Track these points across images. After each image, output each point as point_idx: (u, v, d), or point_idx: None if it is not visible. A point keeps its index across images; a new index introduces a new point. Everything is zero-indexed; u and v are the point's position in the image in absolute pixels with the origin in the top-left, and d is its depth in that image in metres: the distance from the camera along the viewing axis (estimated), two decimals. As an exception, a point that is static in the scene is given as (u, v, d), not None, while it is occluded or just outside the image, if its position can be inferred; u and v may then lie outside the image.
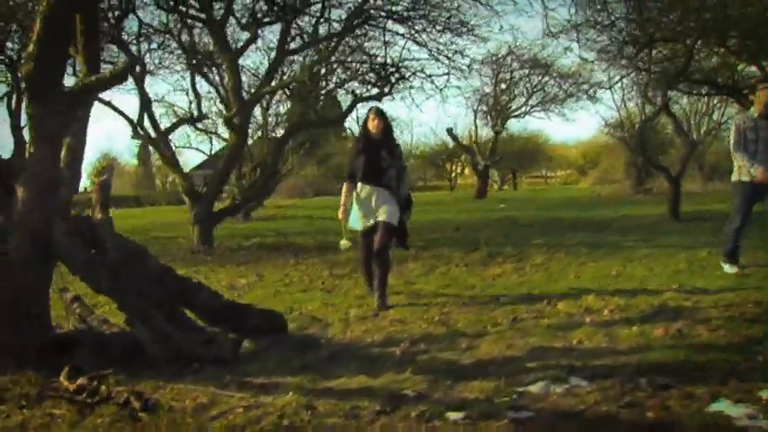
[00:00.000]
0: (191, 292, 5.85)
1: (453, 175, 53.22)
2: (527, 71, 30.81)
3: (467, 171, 51.07)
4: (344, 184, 7.40)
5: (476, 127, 33.50)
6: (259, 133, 22.84)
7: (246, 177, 21.42)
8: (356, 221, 7.33)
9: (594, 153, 50.15)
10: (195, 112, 15.39)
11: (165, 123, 15.50)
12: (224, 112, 15.54)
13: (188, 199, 13.44)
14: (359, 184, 7.20)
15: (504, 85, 31.97)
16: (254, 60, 43.46)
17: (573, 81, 29.85)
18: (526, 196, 35.01)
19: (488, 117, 33.24)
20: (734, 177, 8.12)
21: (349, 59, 14.99)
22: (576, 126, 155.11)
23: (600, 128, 35.42)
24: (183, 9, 12.99)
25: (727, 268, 8.06)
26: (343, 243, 7.56)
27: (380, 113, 7.33)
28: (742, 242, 8.28)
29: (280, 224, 20.03)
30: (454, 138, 32.09)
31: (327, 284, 8.81)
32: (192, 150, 44.07)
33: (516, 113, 33.53)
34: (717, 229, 12.97)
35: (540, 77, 31.41)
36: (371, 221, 7.16)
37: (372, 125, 7.24)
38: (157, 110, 16.71)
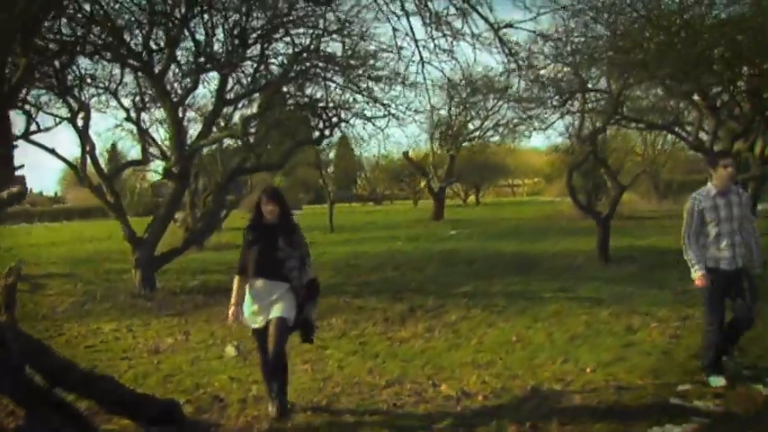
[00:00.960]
0: (94, 385, 6.24)
1: (418, 189, 53.65)
2: (481, 96, 31.28)
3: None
4: (235, 278, 6.61)
5: (432, 149, 34.06)
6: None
7: (200, 205, 21.74)
8: (250, 319, 6.53)
9: (561, 160, 50.72)
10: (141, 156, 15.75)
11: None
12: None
13: (130, 244, 13.80)
14: (252, 280, 6.43)
15: (458, 109, 32.50)
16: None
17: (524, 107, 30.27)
18: (483, 216, 35.64)
19: (442, 141, 33.75)
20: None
21: (289, 103, 15.38)
22: (549, 131, 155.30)
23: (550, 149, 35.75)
24: (124, 60, 13.29)
25: (713, 381, 6.74)
26: (228, 350, 6.79)
27: (274, 195, 6.54)
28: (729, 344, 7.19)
29: (232, 255, 20.37)
30: (410, 160, 32.65)
31: (245, 347, 8.92)
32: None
33: (471, 137, 34.09)
34: (639, 274, 13.77)
35: (495, 102, 31.95)
36: (263, 321, 6.41)
37: (266, 210, 6.46)
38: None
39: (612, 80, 15.38)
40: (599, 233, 15.60)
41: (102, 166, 15.28)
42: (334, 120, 15.49)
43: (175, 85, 14.64)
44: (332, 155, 55.34)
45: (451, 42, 11.29)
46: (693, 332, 8.88)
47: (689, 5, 16.52)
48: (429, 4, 10.43)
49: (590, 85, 16.33)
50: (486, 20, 10.39)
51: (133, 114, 15.07)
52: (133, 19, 12.46)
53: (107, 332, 10.57)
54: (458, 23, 10.82)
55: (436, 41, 11.20)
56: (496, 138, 34.13)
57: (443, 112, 32.28)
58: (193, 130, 20.27)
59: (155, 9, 12.16)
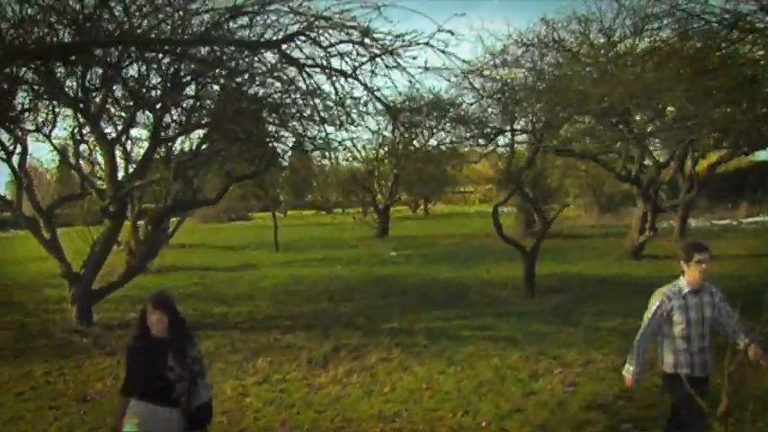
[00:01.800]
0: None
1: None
2: (425, 114, 31.85)
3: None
4: (119, 399, 5.78)
5: (378, 167, 34.62)
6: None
7: (143, 230, 21.88)
8: None
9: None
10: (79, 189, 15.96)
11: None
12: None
13: (66, 280, 14.04)
14: (135, 402, 5.56)
15: (403, 128, 32.99)
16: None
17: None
18: (429, 230, 36.26)
19: (387, 160, 34.34)
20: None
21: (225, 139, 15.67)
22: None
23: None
24: (59, 98, 13.51)
25: None
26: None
27: (163, 303, 5.74)
28: None
29: (175, 279, 20.69)
30: (355, 178, 33.19)
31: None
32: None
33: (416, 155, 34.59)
34: (560, 308, 14.44)
35: (440, 120, 32.50)
36: None
37: (152, 320, 5.63)
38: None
39: (536, 119, 16.04)
40: (525, 265, 16.22)
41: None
42: (268, 156, 15.86)
43: (110, 123, 14.90)
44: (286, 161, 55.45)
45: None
46: (592, 379, 9.57)
47: (619, 39, 17.40)
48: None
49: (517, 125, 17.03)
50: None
51: (71, 155, 15.29)
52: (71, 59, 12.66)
53: (39, 376, 10.73)
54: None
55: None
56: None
57: (387, 134, 32.86)
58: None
59: (90, 51, 12.42)
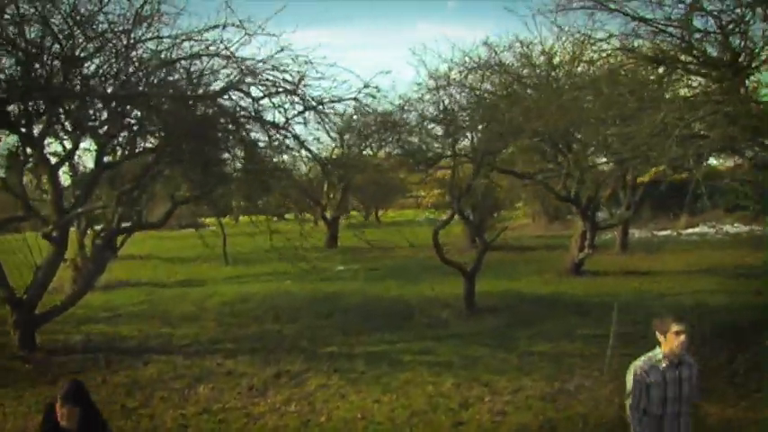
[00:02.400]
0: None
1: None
2: (374, 128, 32.33)
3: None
4: None
5: (326, 180, 34.91)
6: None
7: (89, 247, 21.84)
8: None
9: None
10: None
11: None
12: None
13: (8, 306, 14.06)
14: None
15: (351, 141, 33.53)
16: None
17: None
18: (379, 239, 36.45)
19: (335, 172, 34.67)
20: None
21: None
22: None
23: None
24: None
25: None
26: None
27: (73, 397, 5.32)
28: None
29: (123, 296, 20.70)
30: (305, 191, 33.30)
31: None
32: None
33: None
34: (497, 329, 14.91)
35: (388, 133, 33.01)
36: None
37: (62, 413, 5.27)
38: None
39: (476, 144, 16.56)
40: (465, 286, 16.69)
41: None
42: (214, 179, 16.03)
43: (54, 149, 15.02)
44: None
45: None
46: (520, 408, 10.03)
47: (559, 62, 18.00)
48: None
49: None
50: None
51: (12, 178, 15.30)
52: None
53: (-24, 408, 10.73)
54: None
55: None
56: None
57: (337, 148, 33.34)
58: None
59: (32, 78, 12.53)
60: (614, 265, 23.82)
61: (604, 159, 20.16)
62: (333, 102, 11.48)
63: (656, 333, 6.08)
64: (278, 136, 14.04)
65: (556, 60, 18.10)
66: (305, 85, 12.35)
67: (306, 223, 26.77)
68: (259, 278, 24.02)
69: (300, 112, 11.41)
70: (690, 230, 35.11)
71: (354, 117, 32.72)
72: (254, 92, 13.03)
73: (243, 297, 20.17)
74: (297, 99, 12.76)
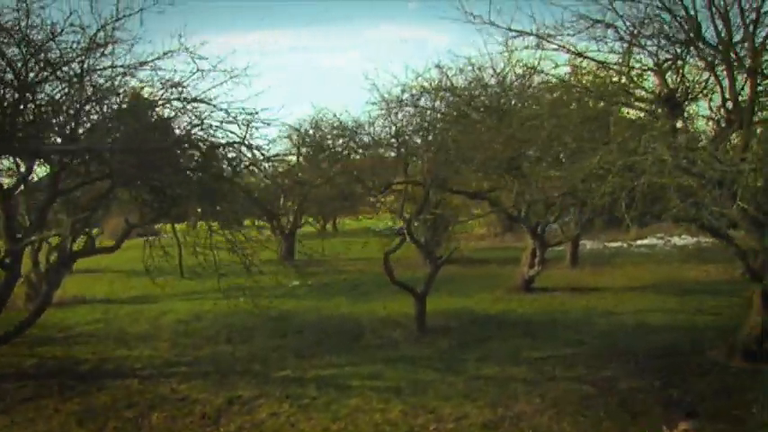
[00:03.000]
0: None
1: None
2: (330, 140, 32.80)
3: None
4: None
5: (282, 194, 35.08)
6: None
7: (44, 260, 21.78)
8: None
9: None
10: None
11: None
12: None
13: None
14: None
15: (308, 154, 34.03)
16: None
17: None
18: (334, 251, 36.65)
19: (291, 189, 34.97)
20: None
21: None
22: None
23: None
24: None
25: None
26: None
27: None
28: None
29: (79, 314, 20.65)
30: (261, 206, 33.42)
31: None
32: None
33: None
34: (448, 351, 15.30)
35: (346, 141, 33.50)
36: None
37: None
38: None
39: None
40: (416, 307, 17.08)
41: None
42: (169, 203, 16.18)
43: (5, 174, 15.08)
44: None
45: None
46: (461, 437, 10.43)
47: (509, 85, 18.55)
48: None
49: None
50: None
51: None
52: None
53: None
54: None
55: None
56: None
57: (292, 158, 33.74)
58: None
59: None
60: (564, 281, 24.41)
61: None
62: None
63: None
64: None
65: (507, 81, 18.70)
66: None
67: (263, 231, 27.20)
68: (213, 294, 24.02)
69: (248, 165, 11.73)
70: (639, 242, 35.87)
71: (310, 131, 33.53)
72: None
73: (197, 315, 20.31)
74: (245, 149, 13.22)
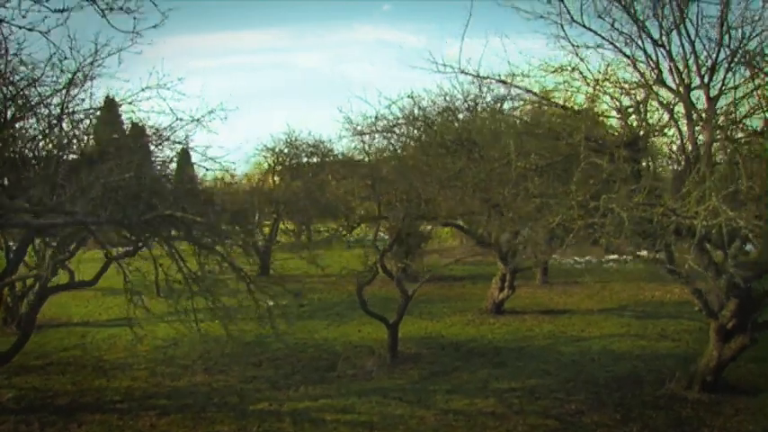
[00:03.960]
0: None
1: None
2: (306, 158, 33.52)
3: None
4: None
5: (258, 211, 35.55)
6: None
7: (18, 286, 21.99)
8: None
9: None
10: None
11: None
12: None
13: None
14: None
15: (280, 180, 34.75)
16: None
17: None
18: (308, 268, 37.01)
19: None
20: None
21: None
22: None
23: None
24: None
25: None
26: None
27: None
28: None
29: (51, 339, 20.86)
30: (239, 224, 33.86)
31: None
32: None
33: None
34: (419, 381, 15.80)
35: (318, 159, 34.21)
36: None
37: None
38: None
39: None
40: (389, 335, 17.60)
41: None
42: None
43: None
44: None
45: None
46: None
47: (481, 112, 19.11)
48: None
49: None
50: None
51: None
52: None
53: None
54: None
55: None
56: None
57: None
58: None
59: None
60: (533, 301, 25.10)
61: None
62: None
63: None
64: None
65: (478, 110, 19.29)
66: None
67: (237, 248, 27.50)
68: (188, 316, 24.29)
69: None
70: (608, 257, 36.64)
71: (285, 150, 34.08)
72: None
73: (173, 340, 20.55)
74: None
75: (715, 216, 10.62)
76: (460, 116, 19.57)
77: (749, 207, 11.21)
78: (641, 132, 14.42)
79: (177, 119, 15.63)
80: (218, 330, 20.56)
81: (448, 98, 19.93)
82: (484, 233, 22.81)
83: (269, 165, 35.22)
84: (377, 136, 20.34)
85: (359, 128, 20.30)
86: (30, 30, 11.75)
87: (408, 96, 20.28)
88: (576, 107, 14.66)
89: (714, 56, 14.04)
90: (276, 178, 35.67)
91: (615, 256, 36.78)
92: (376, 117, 19.43)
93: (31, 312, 15.65)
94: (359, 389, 15.54)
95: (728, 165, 12.51)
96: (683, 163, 14.45)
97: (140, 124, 16.05)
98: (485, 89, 20.01)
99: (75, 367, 17.79)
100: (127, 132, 17.66)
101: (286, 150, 33.58)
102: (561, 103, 15.07)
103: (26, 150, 14.32)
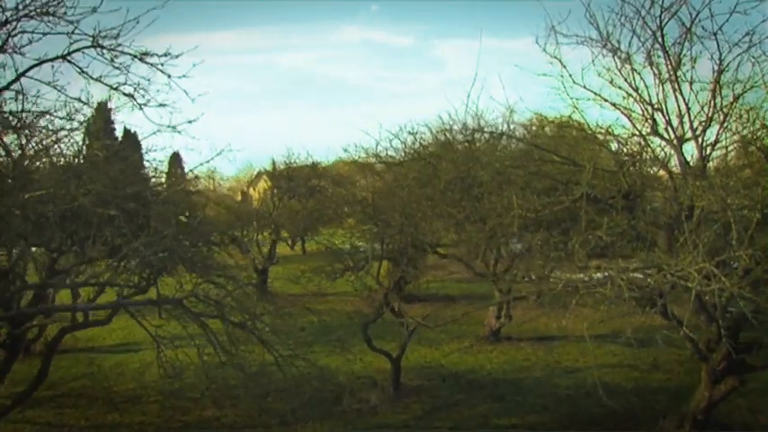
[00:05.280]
0: None
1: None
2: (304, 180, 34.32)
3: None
4: None
5: (257, 232, 36.22)
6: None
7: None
8: None
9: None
10: None
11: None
12: None
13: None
14: None
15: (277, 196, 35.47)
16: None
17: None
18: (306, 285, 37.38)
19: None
20: None
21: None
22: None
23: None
24: None
25: None
26: None
27: None
28: None
29: (60, 367, 21.19)
30: (239, 245, 34.47)
31: None
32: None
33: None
34: (422, 417, 16.35)
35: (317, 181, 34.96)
36: None
37: None
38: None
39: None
40: (392, 368, 18.21)
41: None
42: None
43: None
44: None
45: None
46: None
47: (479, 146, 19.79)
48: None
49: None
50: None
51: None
52: None
53: None
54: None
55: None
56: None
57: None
58: None
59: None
60: (528, 326, 25.67)
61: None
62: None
63: None
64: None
65: (476, 144, 19.98)
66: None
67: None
68: (191, 341, 24.74)
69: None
70: (599, 275, 37.26)
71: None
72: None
73: (180, 368, 20.99)
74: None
75: (708, 280, 11.30)
76: (459, 147, 20.32)
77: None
78: (637, 183, 15.08)
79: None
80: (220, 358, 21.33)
81: (448, 134, 20.74)
82: (480, 263, 23.42)
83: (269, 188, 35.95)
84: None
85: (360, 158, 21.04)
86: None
87: (409, 133, 21.03)
88: (574, 159, 15.26)
89: (708, 111, 14.70)
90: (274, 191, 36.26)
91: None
92: (376, 148, 20.18)
93: (49, 353, 16.12)
94: (365, 425, 16.14)
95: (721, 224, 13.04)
96: (675, 215, 15.05)
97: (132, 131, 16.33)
98: (483, 122, 20.90)
99: (86, 399, 18.28)
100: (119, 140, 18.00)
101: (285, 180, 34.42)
102: (561, 154, 15.66)
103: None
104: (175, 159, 34.70)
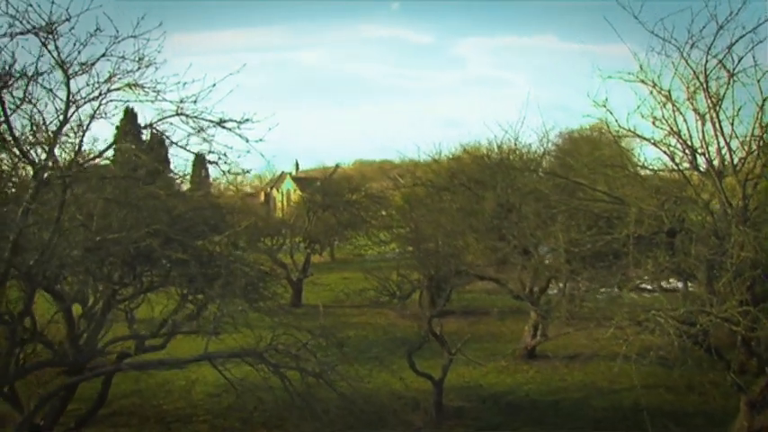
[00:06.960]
0: None
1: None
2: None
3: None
4: None
5: (291, 246, 36.98)
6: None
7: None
8: None
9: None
10: None
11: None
12: None
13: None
14: None
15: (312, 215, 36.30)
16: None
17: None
18: (338, 288, 37.58)
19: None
20: None
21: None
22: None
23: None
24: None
25: None
26: None
27: None
28: None
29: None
30: (273, 258, 35.18)
31: None
32: None
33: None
34: None
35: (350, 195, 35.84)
36: None
37: None
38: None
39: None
40: (434, 393, 18.76)
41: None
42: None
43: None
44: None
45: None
46: None
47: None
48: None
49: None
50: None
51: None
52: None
53: None
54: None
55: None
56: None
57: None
58: None
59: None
60: (562, 343, 25.99)
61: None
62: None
63: None
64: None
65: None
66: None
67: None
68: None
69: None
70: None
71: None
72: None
73: (226, 386, 21.54)
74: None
75: (754, 323, 11.80)
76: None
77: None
78: (679, 217, 15.54)
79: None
80: (265, 374, 21.85)
81: (487, 159, 21.35)
82: (517, 285, 23.95)
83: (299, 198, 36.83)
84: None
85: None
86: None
87: (450, 159, 21.68)
88: (620, 197, 15.72)
89: (747, 147, 15.13)
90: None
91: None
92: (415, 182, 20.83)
93: (108, 377, 16.82)
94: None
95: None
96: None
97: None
98: (521, 146, 21.46)
99: (138, 418, 18.88)
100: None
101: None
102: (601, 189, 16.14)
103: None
104: (199, 161, 35.48)
